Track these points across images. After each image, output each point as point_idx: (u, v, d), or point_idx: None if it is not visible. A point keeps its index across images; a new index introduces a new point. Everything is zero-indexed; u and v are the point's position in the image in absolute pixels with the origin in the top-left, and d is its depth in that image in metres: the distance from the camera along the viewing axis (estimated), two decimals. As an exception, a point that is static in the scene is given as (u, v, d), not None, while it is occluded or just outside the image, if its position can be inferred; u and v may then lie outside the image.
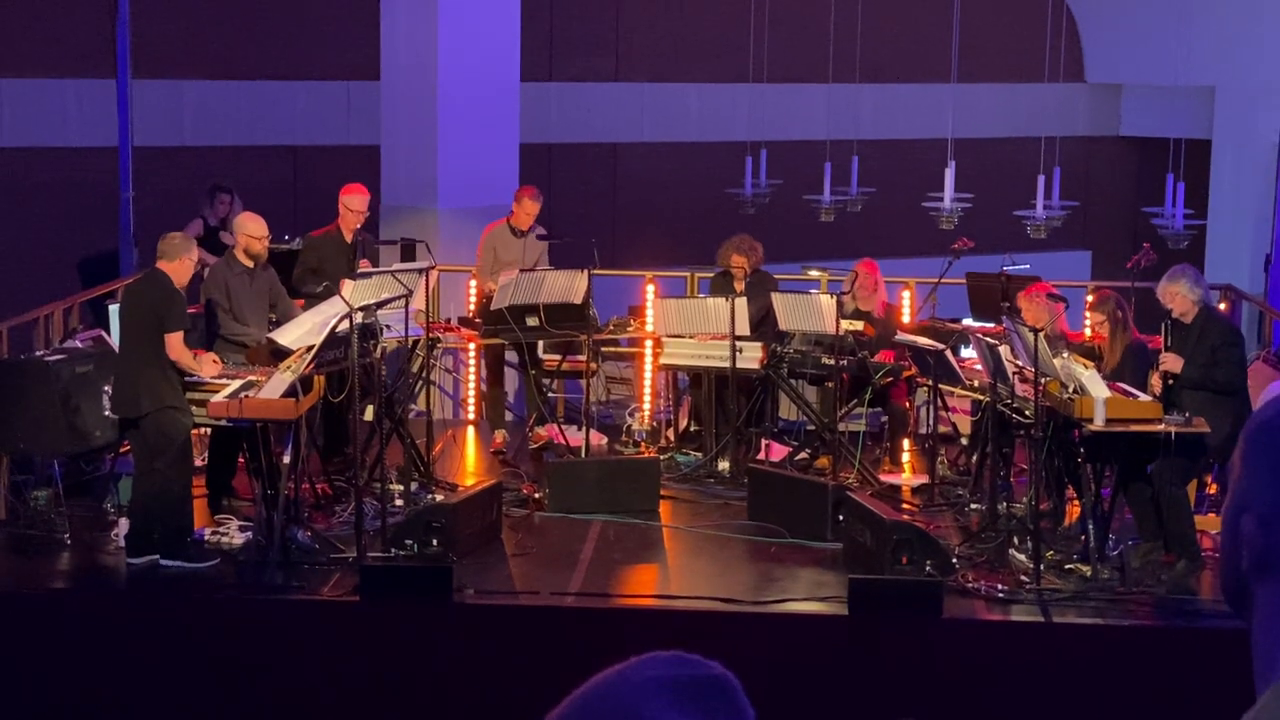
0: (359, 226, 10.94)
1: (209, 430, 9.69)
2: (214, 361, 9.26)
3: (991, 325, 10.90)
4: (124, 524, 9.11)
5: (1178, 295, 9.18)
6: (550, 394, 12.06)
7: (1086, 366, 9.01)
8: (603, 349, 12.17)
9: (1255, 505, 1.60)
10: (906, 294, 12.10)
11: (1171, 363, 9.10)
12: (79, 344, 10.45)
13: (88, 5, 15.11)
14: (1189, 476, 9.16)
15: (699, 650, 1.53)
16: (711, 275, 11.77)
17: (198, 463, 9.66)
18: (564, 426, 11.61)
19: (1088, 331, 11.02)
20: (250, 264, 9.97)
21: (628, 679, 1.47)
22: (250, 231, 9.99)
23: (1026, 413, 9.12)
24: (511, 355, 11.85)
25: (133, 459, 9.16)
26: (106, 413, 9.64)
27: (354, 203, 10.90)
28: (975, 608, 8.48)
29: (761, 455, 10.99)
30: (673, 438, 11.69)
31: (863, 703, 8.11)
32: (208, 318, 9.89)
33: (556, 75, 17.77)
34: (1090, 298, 10.21)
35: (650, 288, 12.03)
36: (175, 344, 8.91)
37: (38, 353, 10.23)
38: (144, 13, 14.14)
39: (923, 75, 18.54)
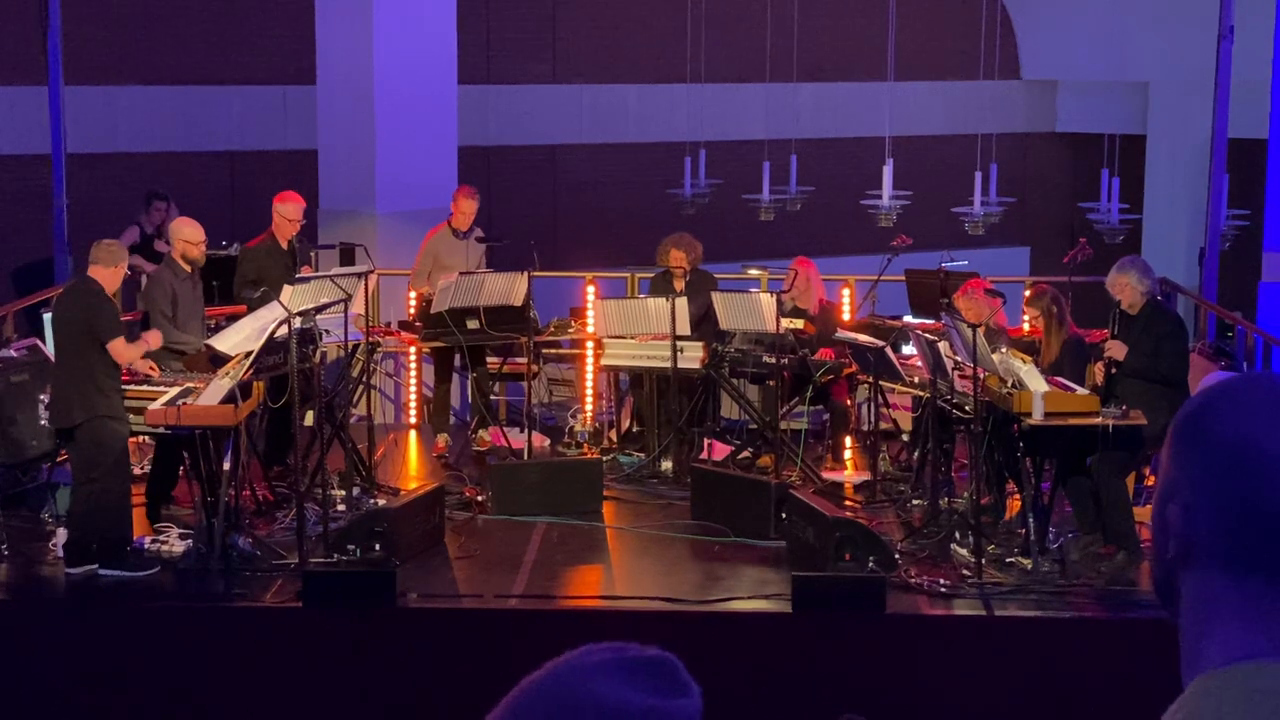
0: (295, 233, 10.86)
1: (150, 439, 9.61)
2: (150, 365, 9.23)
3: (931, 322, 10.96)
4: (62, 534, 9.02)
5: (1126, 286, 9.26)
6: (493, 396, 12.04)
7: (1025, 361, 9.06)
8: (544, 351, 12.15)
9: (1181, 495, 1.61)
10: (846, 291, 12.14)
11: (1116, 349, 9.18)
12: (14, 353, 10.35)
13: (17, 12, 14.95)
14: (1127, 469, 9.23)
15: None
16: (651, 276, 11.77)
17: (136, 471, 9.58)
18: (506, 429, 11.59)
19: (1026, 326, 11.10)
20: (189, 269, 9.91)
21: (572, 665, 1.50)
22: (187, 237, 9.92)
23: (966, 408, 9.17)
24: (455, 358, 11.80)
25: (70, 469, 9.07)
26: (43, 422, 9.55)
27: (289, 211, 10.82)
28: (918, 603, 8.51)
29: (704, 454, 11.00)
30: (615, 439, 11.69)
31: (808, 699, 8.13)
32: (144, 325, 9.79)
33: (494, 78, 17.73)
34: (1028, 293, 10.28)
35: (590, 289, 12.03)
36: (119, 349, 8.78)
37: (-28, 363, 10.11)
38: (75, 19, 14.03)
39: (860, 74, 18.63)
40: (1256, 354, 12.54)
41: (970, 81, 17.96)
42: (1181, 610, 1.61)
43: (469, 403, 12.18)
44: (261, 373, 9.07)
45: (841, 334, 10.93)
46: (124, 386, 8.95)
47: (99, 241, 9.12)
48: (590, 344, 11.82)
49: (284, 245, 10.81)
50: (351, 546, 8.81)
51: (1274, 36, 14.07)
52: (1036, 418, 8.71)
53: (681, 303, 10.89)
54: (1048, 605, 8.48)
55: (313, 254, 11.13)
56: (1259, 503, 1.55)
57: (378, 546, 8.78)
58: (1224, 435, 1.58)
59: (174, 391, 8.90)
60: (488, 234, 11.94)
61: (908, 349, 10.64)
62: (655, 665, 1.51)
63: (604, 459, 11.00)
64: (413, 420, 12.46)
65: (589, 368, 11.99)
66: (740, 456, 11.06)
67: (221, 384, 8.76)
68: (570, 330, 12.02)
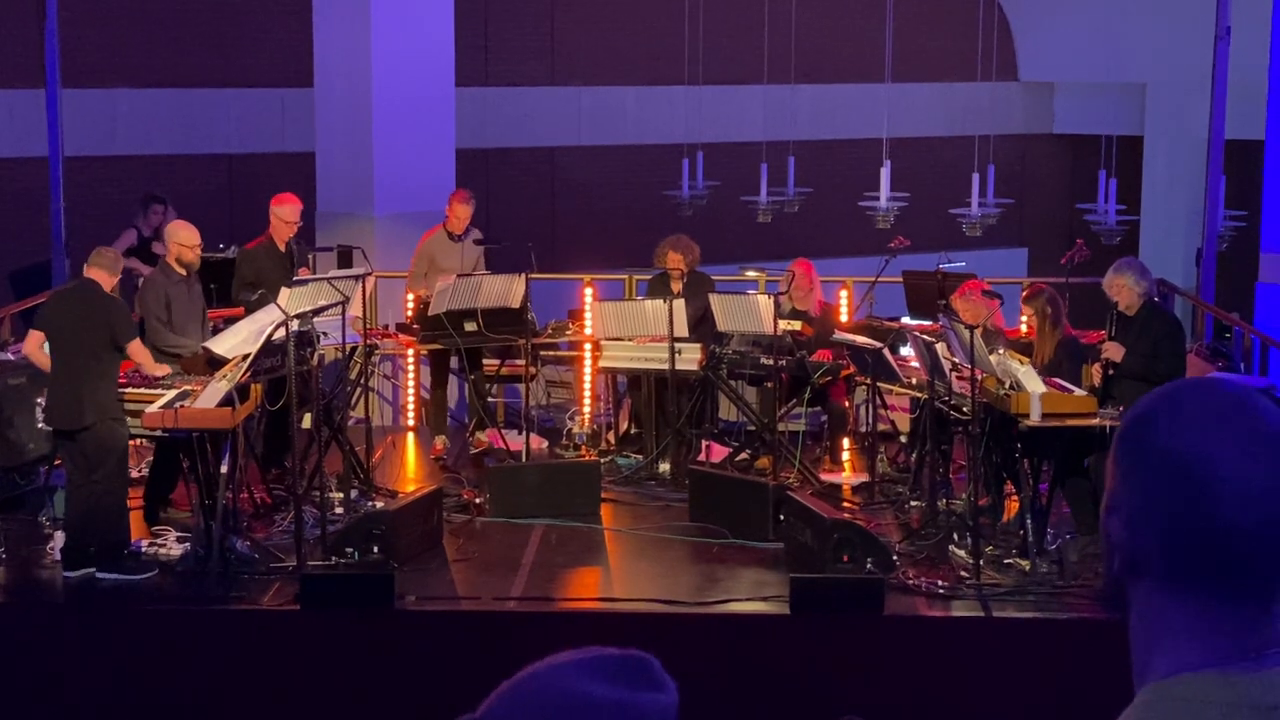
0: (292, 235, 10.86)
1: (148, 442, 9.60)
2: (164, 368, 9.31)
3: (929, 323, 10.96)
4: (60, 537, 9.02)
5: (1123, 288, 9.27)
6: (490, 399, 12.03)
7: (1023, 362, 9.07)
8: (542, 353, 12.15)
9: (1123, 508, 1.59)
10: (844, 293, 12.14)
11: (1113, 350, 9.18)
12: (11, 356, 10.34)
13: (15, 15, 14.96)
14: (1125, 470, 9.21)
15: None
16: (649, 277, 11.77)
17: (134, 474, 9.57)
18: (504, 431, 11.59)
19: (1024, 328, 11.09)
20: (184, 273, 9.91)
21: (551, 665, 1.53)
22: (181, 240, 9.92)
23: (964, 409, 9.17)
24: (453, 360, 11.80)
25: (65, 471, 9.06)
26: (40, 425, 9.54)
27: (285, 213, 10.82)
28: (916, 604, 8.51)
29: (702, 456, 11.00)
30: (613, 440, 11.69)
31: (806, 701, 8.13)
32: (141, 328, 9.79)
33: (492, 80, 17.74)
34: (1025, 292, 10.28)
35: (588, 291, 12.02)
36: (138, 350, 8.91)
37: (-31, 366, 10.10)
38: (73, 21, 14.03)
39: (857, 75, 18.64)
40: (1254, 355, 12.55)
41: (968, 83, 17.97)
42: (1130, 621, 1.60)
43: (467, 405, 12.17)
44: (259, 375, 9.06)
45: (839, 335, 10.93)
46: (122, 389, 8.96)
47: (98, 249, 9.13)
48: (588, 346, 11.82)
49: (282, 247, 10.81)
50: (349, 549, 8.81)
51: (1271, 38, 14.08)
52: (1034, 419, 8.71)
53: (679, 304, 10.89)
54: (1046, 606, 8.48)
55: (311, 256, 11.12)
56: (1198, 517, 1.53)
57: (376, 549, 8.78)
58: (1163, 448, 1.56)
59: (171, 394, 8.90)
60: (486, 236, 11.93)
61: (905, 350, 10.64)
62: (631, 663, 1.53)
63: (602, 461, 11.00)
64: (410, 423, 12.46)
65: (587, 370, 11.98)
66: (738, 458, 11.05)
67: (219, 387, 8.76)
68: (568, 332, 12.02)
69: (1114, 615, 8.37)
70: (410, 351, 12.12)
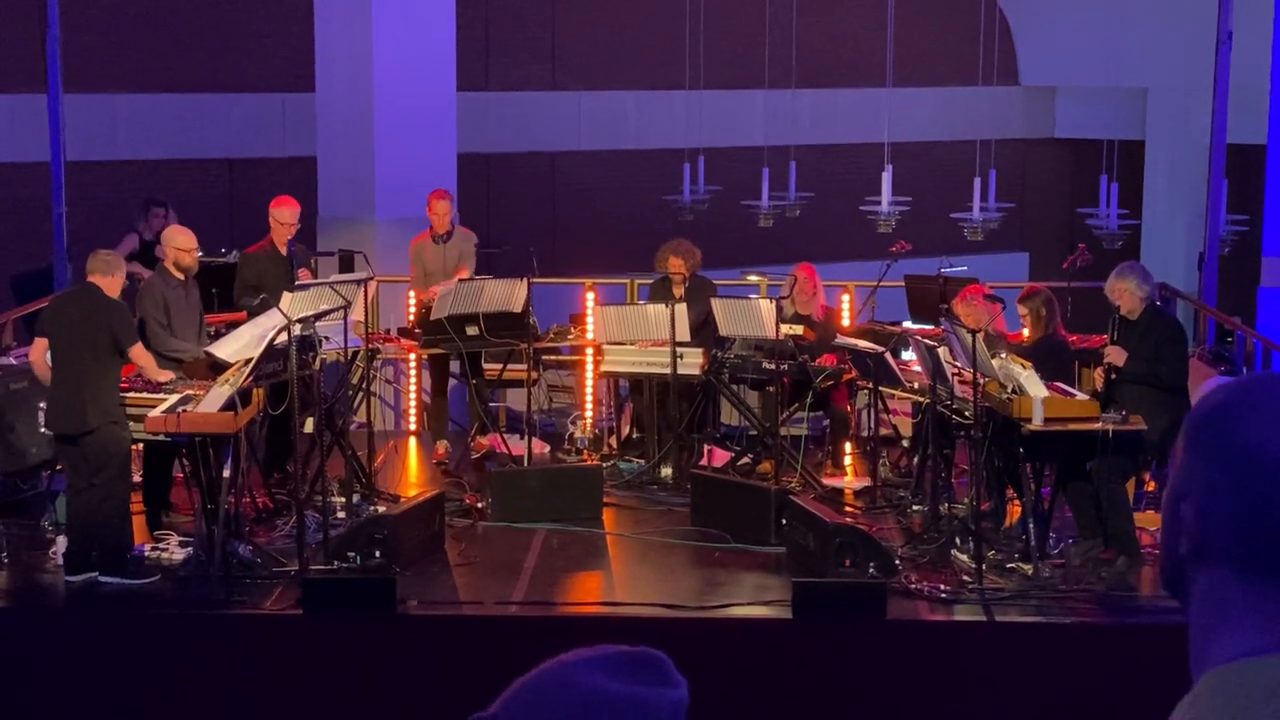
0: (292, 238, 10.86)
1: (141, 445, 9.59)
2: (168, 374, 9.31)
3: (930, 327, 10.96)
4: (62, 542, 9.01)
5: (1125, 292, 9.27)
6: (492, 403, 12.03)
7: (1024, 367, 9.07)
8: (543, 357, 12.15)
9: (1194, 494, 1.61)
10: (846, 297, 12.14)
11: (1115, 355, 9.19)
12: (13, 360, 10.34)
13: (17, 20, 14.96)
14: (1128, 474, 9.23)
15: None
16: (651, 282, 11.77)
17: (136, 479, 9.57)
18: (506, 435, 11.58)
19: (1026, 331, 11.09)
20: (181, 277, 9.91)
21: (562, 662, 1.55)
22: (179, 244, 9.93)
23: (966, 413, 9.16)
24: (453, 364, 11.80)
25: (67, 476, 9.05)
26: (42, 430, 9.53)
27: (283, 215, 10.82)
28: (918, 608, 8.51)
29: (704, 461, 10.99)
30: (615, 445, 11.68)
31: (808, 705, 8.12)
32: (140, 332, 9.79)
33: (493, 84, 17.74)
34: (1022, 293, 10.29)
35: (590, 295, 12.02)
36: (141, 354, 8.91)
37: (-29, 370, 10.10)
38: (75, 26, 14.03)
39: (858, 80, 18.64)
40: (1256, 359, 12.54)
41: (969, 87, 17.97)
42: (1191, 607, 1.62)
43: (468, 409, 12.17)
44: (261, 380, 9.06)
45: (841, 339, 10.93)
46: (124, 394, 8.96)
47: (95, 252, 9.12)
48: (590, 350, 11.82)
49: (283, 250, 10.81)
50: (351, 553, 8.80)
51: (1272, 42, 14.08)
52: (1036, 423, 8.70)
53: (681, 309, 10.89)
54: (1048, 610, 8.47)
55: (312, 260, 11.12)
56: (1274, 508, 1.55)
57: (378, 553, 8.78)
58: (1242, 439, 1.58)
59: (174, 399, 8.89)
60: (487, 241, 11.93)
61: (907, 355, 10.63)
62: (641, 660, 1.55)
63: (604, 465, 10.99)
64: (412, 427, 12.45)
65: (589, 374, 11.98)
66: (740, 462, 11.05)
67: (221, 391, 8.76)
68: (570, 337, 12.02)
69: (1117, 620, 8.37)
70: (412, 356, 12.12)
